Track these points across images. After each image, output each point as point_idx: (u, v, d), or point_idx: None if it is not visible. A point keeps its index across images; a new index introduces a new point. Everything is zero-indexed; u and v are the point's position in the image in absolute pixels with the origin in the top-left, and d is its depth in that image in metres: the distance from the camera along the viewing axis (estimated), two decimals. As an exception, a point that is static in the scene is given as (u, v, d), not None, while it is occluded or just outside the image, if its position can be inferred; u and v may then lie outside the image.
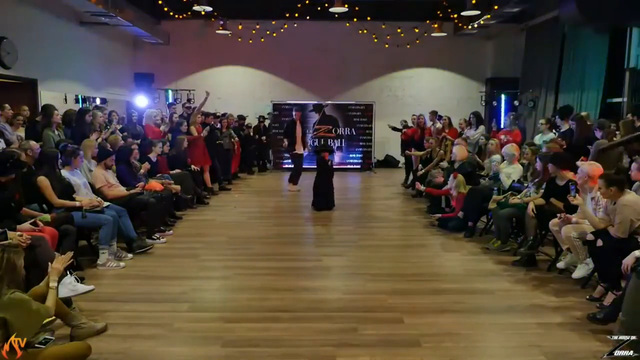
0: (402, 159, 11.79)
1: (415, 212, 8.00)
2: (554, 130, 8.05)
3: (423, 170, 8.55)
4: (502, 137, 8.06)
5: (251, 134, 12.56)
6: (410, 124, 10.96)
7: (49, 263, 3.35)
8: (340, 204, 8.34)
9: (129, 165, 6.45)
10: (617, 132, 6.76)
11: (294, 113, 10.07)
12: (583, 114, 7.43)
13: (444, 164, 8.01)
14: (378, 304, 4.24)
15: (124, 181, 6.16)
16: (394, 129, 11.38)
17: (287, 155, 13.54)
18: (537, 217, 5.18)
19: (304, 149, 9.98)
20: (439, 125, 10.35)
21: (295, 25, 12.94)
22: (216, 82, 13.86)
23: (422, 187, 7.91)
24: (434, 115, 10.51)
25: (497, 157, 7.04)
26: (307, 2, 11.57)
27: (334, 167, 8.78)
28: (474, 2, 10.14)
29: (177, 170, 7.83)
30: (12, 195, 4.36)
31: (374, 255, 5.71)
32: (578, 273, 4.56)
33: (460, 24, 12.73)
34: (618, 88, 9.53)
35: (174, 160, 8.02)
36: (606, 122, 6.50)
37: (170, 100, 12.99)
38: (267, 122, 13.46)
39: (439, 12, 12.16)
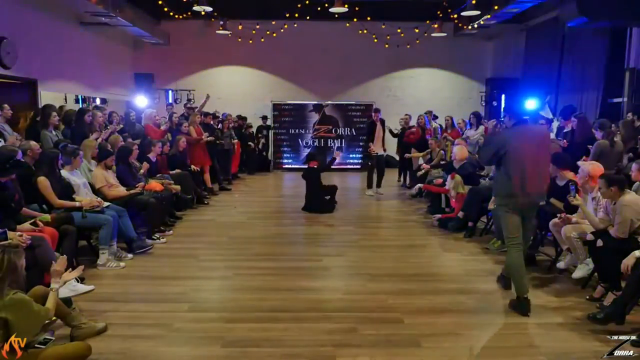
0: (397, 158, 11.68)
1: (415, 212, 8.00)
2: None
3: (423, 171, 8.55)
4: None
5: (252, 132, 12.56)
6: (399, 125, 10.84)
7: (53, 263, 3.37)
8: (340, 204, 8.34)
9: (129, 166, 6.45)
10: (617, 132, 6.76)
11: (372, 114, 9.87)
12: None
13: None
14: (378, 304, 4.24)
15: (124, 181, 6.16)
16: (393, 134, 11.14)
17: (287, 156, 13.73)
18: (537, 217, 5.17)
19: (383, 150, 9.59)
20: (435, 125, 10.35)
21: (295, 25, 12.94)
22: (216, 82, 13.86)
23: (418, 186, 7.96)
24: (430, 115, 10.50)
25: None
26: (307, 2, 11.56)
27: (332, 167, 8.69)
28: (474, 2, 10.13)
29: (177, 170, 7.83)
30: (12, 196, 4.36)
31: (374, 255, 5.71)
32: (578, 273, 4.57)
33: (460, 24, 12.73)
34: (618, 88, 9.53)
35: (174, 160, 8.02)
36: (606, 122, 6.51)
37: (170, 101, 13.00)
38: (269, 122, 13.46)
39: (439, 12, 12.15)
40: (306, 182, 8.21)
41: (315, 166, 8.32)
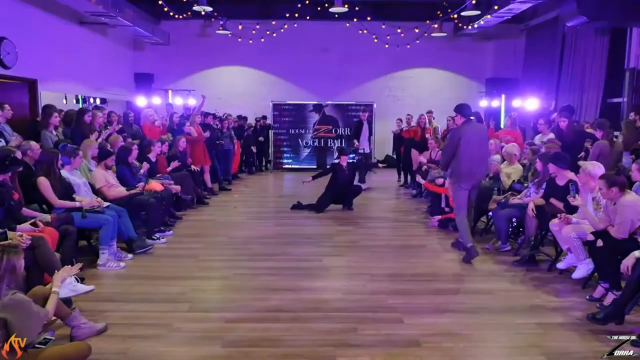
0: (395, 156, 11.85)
1: (415, 212, 8.00)
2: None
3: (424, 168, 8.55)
4: (505, 137, 8.07)
5: (251, 132, 12.57)
6: (405, 124, 10.94)
7: (56, 271, 3.38)
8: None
9: (129, 166, 6.45)
10: (615, 133, 6.75)
11: (360, 114, 10.42)
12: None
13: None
14: (378, 304, 4.24)
15: (124, 181, 6.16)
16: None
17: (287, 156, 13.74)
18: (537, 217, 5.18)
19: (369, 148, 10.49)
20: (435, 124, 10.38)
21: (295, 25, 12.93)
22: (216, 82, 13.86)
23: (422, 181, 7.97)
24: (430, 114, 10.52)
25: (497, 157, 7.04)
26: (307, 2, 11.56)
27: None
28: (474, 2, 10.13)
29: (175, 163, 7.76)
30: (10, 194, 4.36)
31: (374, 255, 5.71)
32: (578, 273, 4.56)
33: (460, 24, 12.73)
34: (618, 88, 9.53)
35: (174, 160, 7.99)
36: (606, 122, 6.51)
37: (170, 101, 12.98)
38: (268, 122, 13.45)
39: (439, 12, 12.15)
40: (334, 176, 8.16)
41: (345, 164, 8.30)
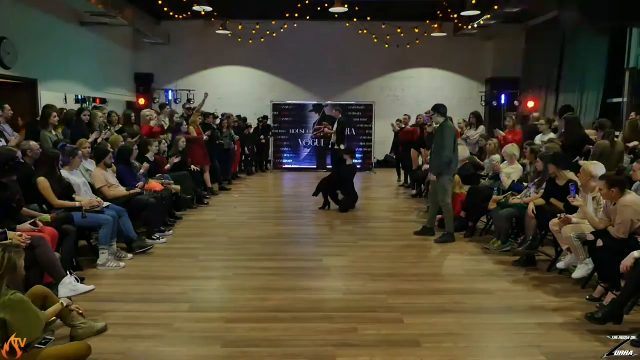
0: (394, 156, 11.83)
1: (415, 212, 8.00)
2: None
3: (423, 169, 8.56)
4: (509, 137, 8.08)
5: (251, 132, 12.57)
6: (403, 124, 10.95)
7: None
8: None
9: (130, 166, 6.44)
10: (616, 133, 6.73)
11: (334, 111, 10.51)
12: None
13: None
14: (378, 304, 4.23)
15: (124, 181, 6.15)
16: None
17: (287, 156, 13.74)
18: (537, 217, 5.18)
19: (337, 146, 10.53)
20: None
21: (295, 25, 12.94)
22: (216, 82, 13.86)
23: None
24: (429, 115, 10.53)
25: (497, 157, 7.04)
26: (307, 2, 11.56)
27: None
28: (474, 2, 10.14)
29: (175, 159, 7.76)
30: (13, 196, 4.36)
31: (374, 255, 5.71)
32: (578, 273, 4.55)
33: (460, 24, 12.73)
34: (618, 88, 9.53)
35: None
36: (606, 122, 6.50)
37: (163, 101, 12.91)
38: (269, 122, 13.44)
39: (439, 12, 12.15)
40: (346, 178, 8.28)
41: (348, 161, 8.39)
